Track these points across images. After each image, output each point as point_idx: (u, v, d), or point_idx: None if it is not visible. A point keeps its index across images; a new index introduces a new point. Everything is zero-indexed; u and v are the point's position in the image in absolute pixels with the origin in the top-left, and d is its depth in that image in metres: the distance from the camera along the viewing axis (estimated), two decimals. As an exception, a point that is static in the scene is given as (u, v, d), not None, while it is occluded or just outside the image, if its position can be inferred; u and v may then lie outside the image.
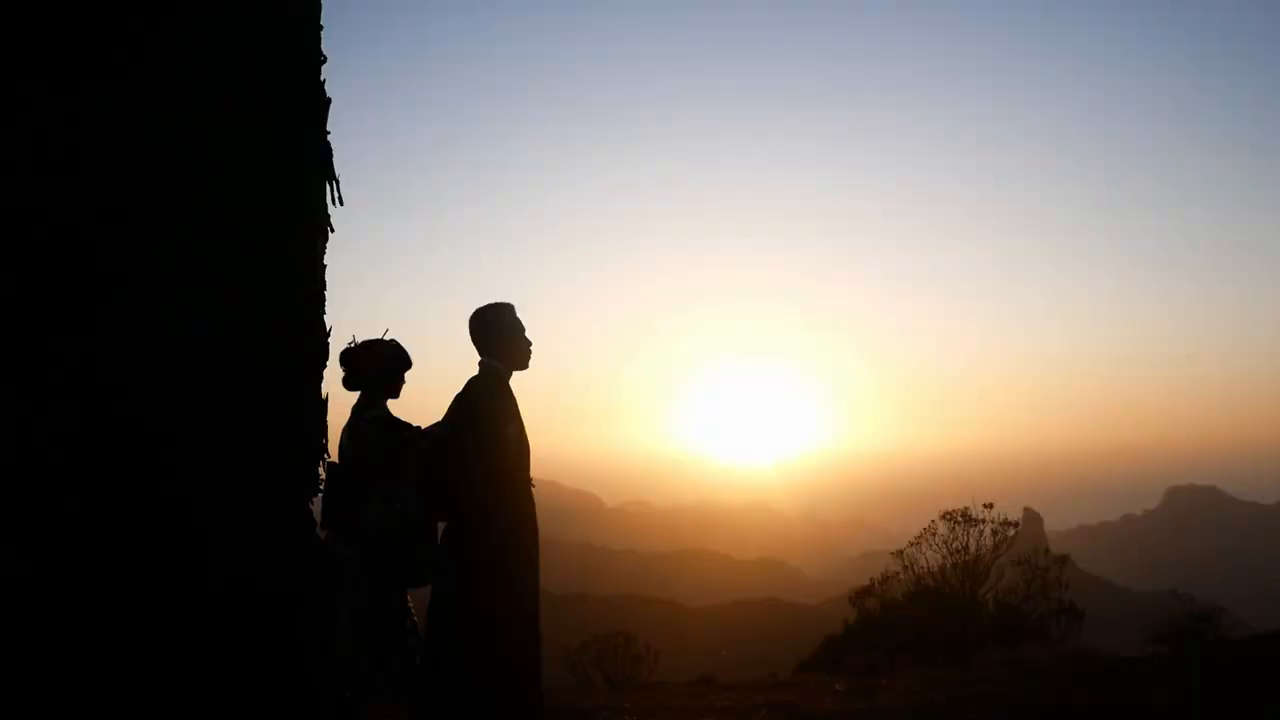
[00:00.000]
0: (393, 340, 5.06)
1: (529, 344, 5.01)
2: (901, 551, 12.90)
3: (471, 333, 4.97)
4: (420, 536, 4.77)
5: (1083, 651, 10.52)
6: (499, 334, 4.94)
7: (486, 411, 4.79)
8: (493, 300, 5.02)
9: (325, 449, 4.54)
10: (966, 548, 12.50)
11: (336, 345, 4.84)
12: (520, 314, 5.03)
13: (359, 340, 5.02)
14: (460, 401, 4.87)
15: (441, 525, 4.83)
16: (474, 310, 5.01)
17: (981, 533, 12.51)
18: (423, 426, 4.94)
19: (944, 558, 12.56)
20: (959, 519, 12.61)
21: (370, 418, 4.92)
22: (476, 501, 4.66)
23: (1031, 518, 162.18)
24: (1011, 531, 12.67)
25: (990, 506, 12.77)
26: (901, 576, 12.89)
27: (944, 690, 7.49)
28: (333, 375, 4.89)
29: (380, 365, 5.00)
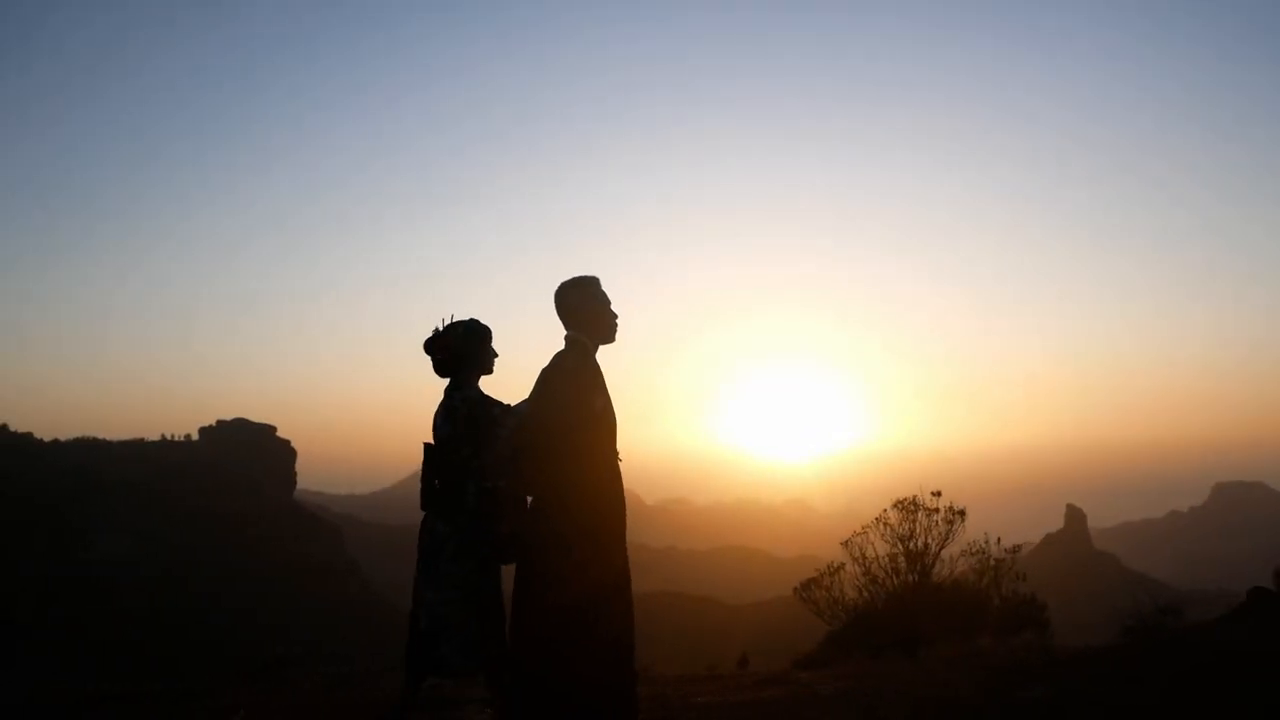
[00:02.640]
0: (460, 320, 5.12)
1: (615, 317, 4.93)
2: (848, 541, 12.43)
3: (558, 306, 4.87)
4: (510, 514, 4.83)
5: (1037, 645, 10.40)
6: (586, 307, 4.85)
7: (574, 385, 4.74)
8: (579, 275, 4.95)
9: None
10: (913, 535, 12.26)
11: (419, 334, 5.08)
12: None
13: (443, 326, 5.11)
14: (547, 376, 4.82)
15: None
16: (560, 284, 4.90)
17: (934, 520, 12.25)
18: (511, 404, 5.01)
19: (891, 546, 12.27)
20: (909, 507, 12.37)
21: (462, 397, 5.00)
22: (558, 482, 4.65)
23: (1075, 514, 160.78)
24: (959, 520, 12.37)
25: (939, 494, 12.53)
26: (849, 567, 12.34)
27: (842, 683, 7.43)
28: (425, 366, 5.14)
29: (455, 346, 5.07)
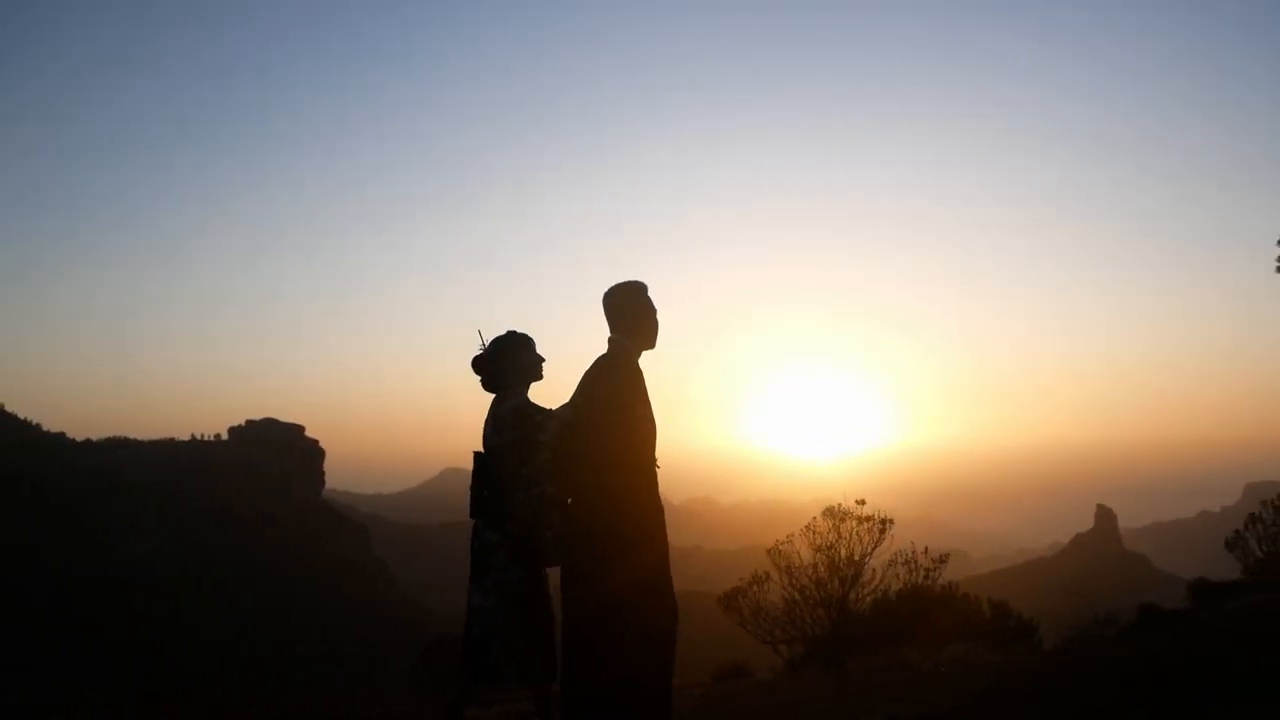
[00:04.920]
0: (497, 336, 5.20)
1: (658, 325, 4.98)
2: (772, 549, 12.12)
3: (607, 309, 4.92)
4: (554, 518, 4.87)
5: (959, 658, 10.28)
6: (635, 312, 4.89)
7: (615, 389, 4.76)
8: (630, 279, 4.99)
9: None
10: (834, 544, 12.05)
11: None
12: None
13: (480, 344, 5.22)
14: (590, 379, 4.87)
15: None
16: (612, 286, 4.96)
17: (863, 529, 12.04)
18: (552, 409, 5.04)
19: (814, 554, 11.98)
20: (837, 515, 12.16)
21: (510, 406, 5.05)
22: (591, 483, 4.67)
23: (1105, 514, 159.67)
24: (887, 528, 12.16)
25: (863, 503, 12.33)
26: (775, 576, 12.00)
27: (714, 700, 7.42)
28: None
29: (493, 360, 5.15)
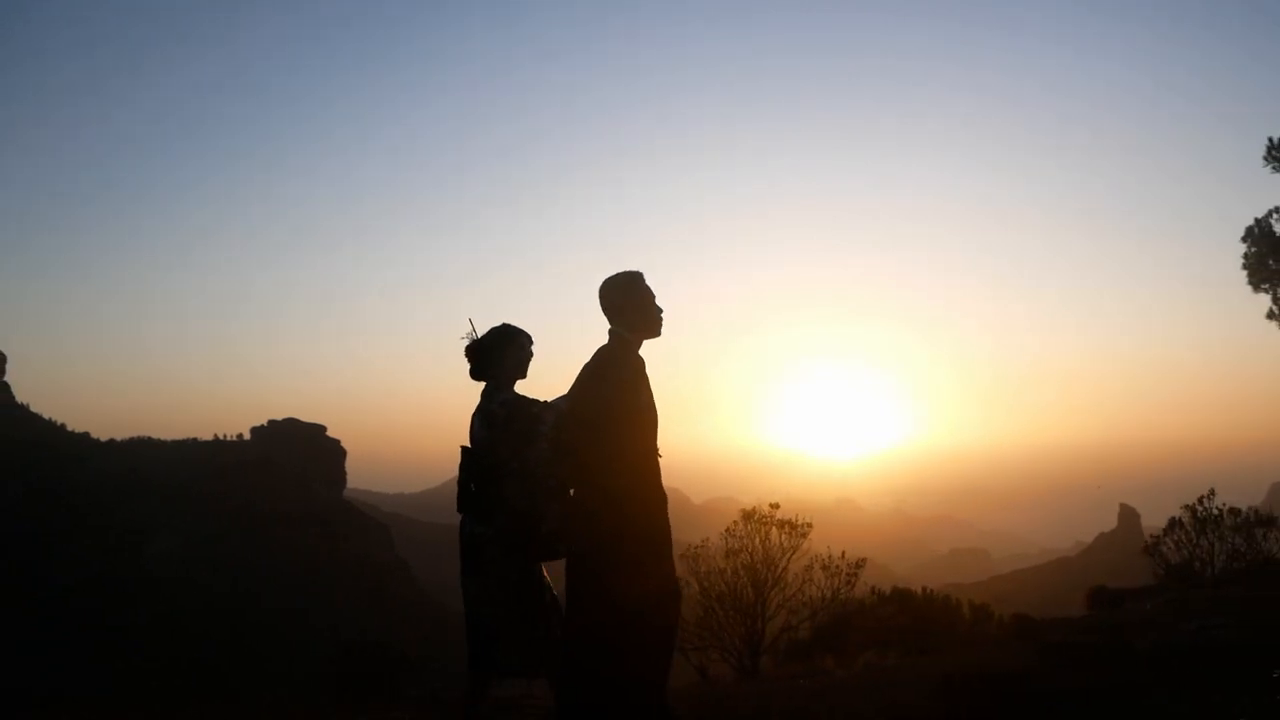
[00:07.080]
0: (494, 327, 5.18)
1: (660, 311, 4.85)
2: (686, 553, 11.88)
3: (603, 301, 4.82)
4: (553, 510, 4.83)
5: (874, 664, 10.12)
6: (629, 302, 4.79)
7: (616, 380, 4.69)
8: (623, 269, 4.89)
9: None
10: (748, 549, 11.84)
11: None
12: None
13: (477, 333, 5.21)
14: (590, 371, 4.79)
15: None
16: (605, 279, 4.86)
17: (783, 534, 11.78)
18: (548, 400, 5.01)
19: (725, 559, 11.73)
20: (755, 519, 11.77)
21: (500, 401, 5.03)
22: (605, 478, 4.60)
23: (1128, 514, 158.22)
24: (805, 532, 11.87)
25: (777, 507, 12.05)
26: (691, 582, 11.73)
27: None
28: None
29: (484, 352, 5.13)
